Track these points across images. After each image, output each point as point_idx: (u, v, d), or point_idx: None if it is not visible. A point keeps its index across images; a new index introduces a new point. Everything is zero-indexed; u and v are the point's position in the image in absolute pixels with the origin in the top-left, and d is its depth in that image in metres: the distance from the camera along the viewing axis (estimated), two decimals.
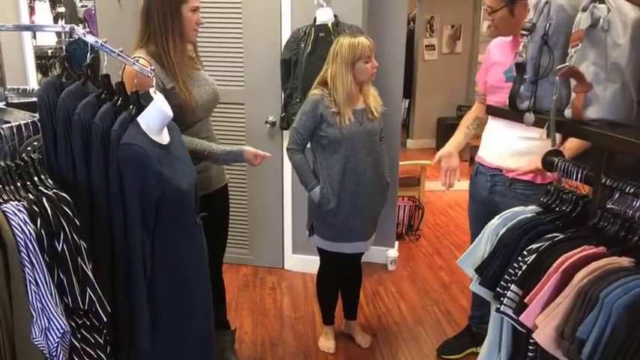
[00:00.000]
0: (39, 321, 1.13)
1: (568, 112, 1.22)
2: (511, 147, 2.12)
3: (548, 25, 1.25)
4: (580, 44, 1.16)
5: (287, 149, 2.42)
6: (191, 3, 1.94)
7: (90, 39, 1.44)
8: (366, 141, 2.34)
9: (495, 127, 2.19)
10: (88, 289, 1.24)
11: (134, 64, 1.50)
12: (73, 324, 1.24)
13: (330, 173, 2.35)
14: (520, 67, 1.31)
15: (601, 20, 1.13)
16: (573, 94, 1.21)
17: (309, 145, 2.46)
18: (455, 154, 2.30)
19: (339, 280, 2.66)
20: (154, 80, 1.52)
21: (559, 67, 1.19)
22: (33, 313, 1.13)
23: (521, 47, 1.30)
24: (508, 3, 1.99)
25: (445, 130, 6.56)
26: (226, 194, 2.31)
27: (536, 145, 1.98)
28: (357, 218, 2.40)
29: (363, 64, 2.27)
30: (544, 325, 1.14)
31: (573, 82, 1.20)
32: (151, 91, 1.52)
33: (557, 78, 1.20)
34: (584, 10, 1.16)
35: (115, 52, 1.47)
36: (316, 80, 2.38)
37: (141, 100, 1.50)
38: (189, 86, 1.95)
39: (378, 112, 2.38)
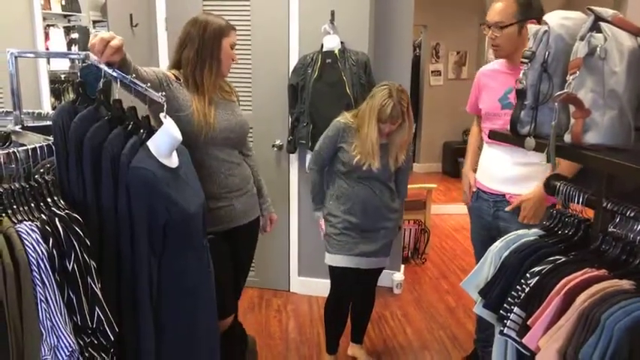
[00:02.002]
0: (48, 339, 1.16)
1: (567, 137, 1.25)
2: (511, 173, 2.15)
3: (547, 53, 1.29)
4: (578, 72, 1.19)
5: (307, 167, 2.55)
6: (231, 38, 2.03)
7: (104, 65, 1.49)
8: (379, 173, 2.37)
9: (494, 153, 2.22)
10: (97, 308, 1.26)
11: (146, 90, 1.55)
12: (81, 342, 1.25)
13: (338, 193, 2.42)
14: (520, 94, 1.34)
15: (598, 49, 1.17)
16: (572, 120, 1.23)
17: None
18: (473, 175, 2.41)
19: (350, 305, 2.65)
20: (165, 105, 1.56)
21: (558, 93, 1.22)
22: (43, 331, 1.15)
23: (521, 74, 1.33)
24: (519, 20, 2.02)
25: (451, 154, 6.61)
26: (252, 233, 2.29)
27: (537, 171, 2.04)
28: (361, 237, 2.42)
29: (383, 125, 2.30)
30: (547, 347, 1.15)
31: (572, 108, 1.23)
32: (161, 116, 1.56)
33: (556, 104, 1.23)
34: (582, 39, 1.20)
35: (127, 79, 1.52)
36: (356, 109, 2.45)
37: (152, 124, 1.54)
38: (212, 108, 2.00)
39: (397, 164, 2.40)
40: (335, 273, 2.52)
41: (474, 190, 2.36)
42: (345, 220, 2.41)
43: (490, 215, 2.25)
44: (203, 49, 1.97)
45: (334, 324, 2.66)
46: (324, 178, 2.50)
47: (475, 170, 2.40)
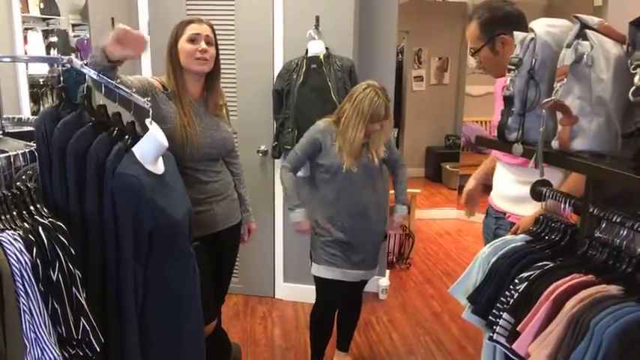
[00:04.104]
0: (32, 351, 1.12)
1: (555, 144, 1.26)
2: (513, 191, 2.01)
3: (534, 60, 1.30)
4: (565, 79, 1.20)
5: (281, 166, 2.49)
6: (187, 33, 1.97)
7: (87, 70, 1.46)
8: (361, 174, 2.36)
9: (500, 170, 2.11)
10: (82, 319, 1.23)
11: (131, 95, 1.53)
12: (66, 354, 1.22)
13: (324, 201, 2.38)
14: (508, 100, 1.35)
15: (585, 56, 1.18)
16: (560, 127, 1.25)
17: (302, 174, 2.50)
18: (475, 187, 2.34)
19: (336, 313, 2.63)
20: (151, 111, 1.54)
21: (545, 100, 1.23)
22: (26, 343, 1.11)
23: (508, 81, 1.34)
24: (487, 41, 1.91)
25: (434, 159, 6.65)
26: (234, 237, 2.28)
27: None
28: (350, 248, 2.40)
29: (371, 125, 2.30)
30: (536, 353, 1.16)
31: (559, 115, 1.24)
32: (147, 121, 1.54)
33: (543, 111, 1.24)
34: (569, 46, 1.21)
35: (112, 84, 1.49)
36: (334, 113, 2.43)
37: (137, 130, 1.52)
38: (195, 124, 1.98)
39: (379, 156, 2.40)
40: (321, 284, 2.48)
41: (464, 200, 2.28)
42: (331, 231, 2.38)
43: (492, 233, 2.13)
44: (168, 57, 1.99)
45: (320, 334, 2.62)
46: (295, 177, 2.45)
47: (479, 180, 2.33)
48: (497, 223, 2.11)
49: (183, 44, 1.97)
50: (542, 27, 1.32)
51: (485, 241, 2.24)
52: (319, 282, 2.49)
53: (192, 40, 1.97)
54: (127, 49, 1.48)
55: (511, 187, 2.03)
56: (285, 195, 2.49)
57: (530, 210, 1.90)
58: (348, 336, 2.76)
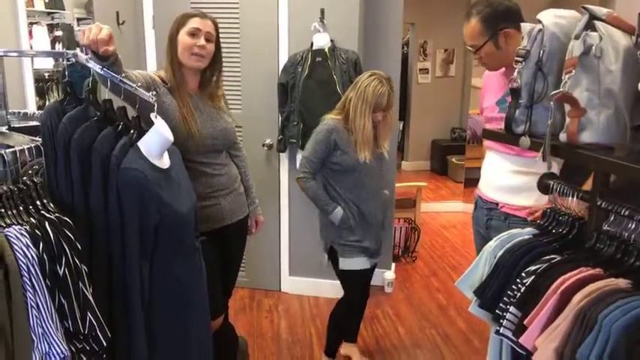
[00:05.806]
0: (39, 346, 1.13)
1: (563, 136, 1.25)
2: (507, 181, 2.00)
3: (541, 52, 1.29)
4: (573, 71, 1.19)
5: (298, 178, 2.41)
6: (188, 25, 1.94)
7: (92, 65, 1.46)
8: (375, 167, 2.39)
9: (492, 160, 2.09)
10: (89, 313, 1.23)
11: (136, 89, 1.52)
12: (73, 348, 1.23)
13: (344, 193, 2.37)
14: (515, 92, 1.34)
15: (593, 48, 1.17)
16: (567, 119, 1.24)
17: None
18: None
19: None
20: (156, 105, 1.53)
21: (553, 92, 1.22)
22: (34, 337, 1.12)
23: (515, 73, 1.33)
24: (490, 37, 1.90)
25: (439, 151, 6.63)
26: (241, 231, 2.28)
27: (533, 180, 1.78)
28: (371, 236, 2.41)
29: (375, 114, 2.30)
30: (544, 347, 1.15)
31: (567, 107, 1.23)
32: (152, 116, 1.53)
33: (551, 103, 1.23)
34: (577, 37, 1.20)
35: (117, 78, 1.49)
36: (337, 105, 2.43)
37: (142, 125, 1.51)
38: (196, 117, 1.98)
39: (385, 149, 2.44)
40: (352, 278, 2.45)
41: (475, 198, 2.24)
42: (353, 224, 2.37)
43: (484, 224, 2.12)
44: (168, 47, 1.97)
45: (341, 329, 2.64)
46: (320, 181, 2.41)
47: None
48: (490, 214, 2.09)
49: (182, 36, 1.94)
50: (551, 18, 1.31)
51: (475, 234, 2.26)
52: (349, 276, 2.44)
53: (193, 34, 1.94)
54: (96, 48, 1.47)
55: (505, 177, 2.01)
56: (317, 204, 2.39)
57: (524, 199, 1.91)
58: (356, 327, 2.77)
